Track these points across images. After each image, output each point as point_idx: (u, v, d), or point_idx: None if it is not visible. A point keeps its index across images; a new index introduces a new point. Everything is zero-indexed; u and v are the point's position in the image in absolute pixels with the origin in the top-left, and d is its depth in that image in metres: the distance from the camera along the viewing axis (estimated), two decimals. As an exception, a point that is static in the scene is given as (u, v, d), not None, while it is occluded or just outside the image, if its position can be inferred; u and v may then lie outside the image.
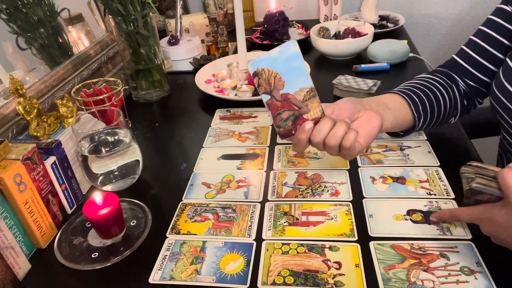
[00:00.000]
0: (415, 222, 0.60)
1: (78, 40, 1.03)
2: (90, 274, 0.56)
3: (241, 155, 0.79)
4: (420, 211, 0.61)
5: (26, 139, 0.67)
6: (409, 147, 0.76)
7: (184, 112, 0.98)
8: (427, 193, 0.65)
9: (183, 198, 0.69)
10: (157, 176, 0.76)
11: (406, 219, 0.60)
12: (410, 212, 0.61)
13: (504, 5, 0.68)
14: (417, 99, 0.67)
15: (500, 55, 0.67)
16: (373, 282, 0.51)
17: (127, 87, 1.04)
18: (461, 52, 0.74)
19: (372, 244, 0.57)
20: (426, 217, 0.60)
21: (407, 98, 0.66)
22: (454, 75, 0.73)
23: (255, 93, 0.97)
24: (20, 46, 0.85)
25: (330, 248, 0.57)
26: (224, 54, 1.23)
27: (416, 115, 0.66)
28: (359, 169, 0.71)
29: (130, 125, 0.92)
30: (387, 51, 1.07)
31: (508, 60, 0.63)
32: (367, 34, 1.14)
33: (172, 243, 0.60)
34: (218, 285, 0.53)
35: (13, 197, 0.56)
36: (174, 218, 0.65)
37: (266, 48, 1.26)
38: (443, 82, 0.71)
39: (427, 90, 0.69)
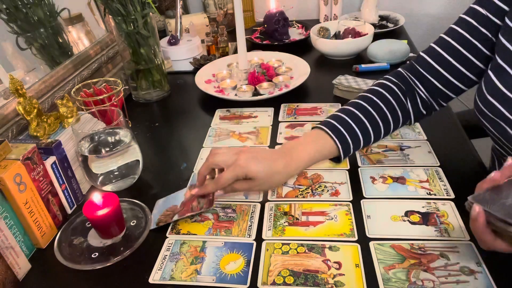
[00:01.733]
0: (413, 223, 0.60)
1: (78, 40, 1.03)
2: (90, 274, 0.56)
3: (241, 155, 0.79)
4: (418, 212, 0.61)
5: (26, 139, 0.67)
6: (409, 147, 0.76)
7: (184, 112, 0.98)
8: (427, 193, 0.65)
9: (183, 198, 0.69)
10: (157, 176, 0.76)
11: (404, 220, 0.60)
12: (408, 213, 0.61)
13: (477, 6, 0.63)
14: (348, 138, 0.65)
15: (470, 56, 0.63)
16: (373, 282, 0.51)
17: (127, 87, 1.04)
18: (429, 50, 0.69)
19: (372, 244, 0.57)
20: (424, 218, 0.60)
21: (338, 143, 0.64)
22: (414, 80, 0.69)
23: (255, 93, 0.97)
24: (20, 46, 0.85)
25: (330, 248, 0.57)
26: (224, 54, 1.22)
27: (342, 154, 0.65)
28: (359, 169, 0.71)
29: (130, 125, 0.92)
30: (387, 51, 1.07)
31: (490, 72, 0.59)
32: (367, 34, 1.14)
33: (172, 243, 0.60)
34: (218, 285, 0.53)
35: (13, 197, 0.56)
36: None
37: (266, 48, 1.27)
38: (390, 98, 0.67)
39: (363, 119, 0.66)
